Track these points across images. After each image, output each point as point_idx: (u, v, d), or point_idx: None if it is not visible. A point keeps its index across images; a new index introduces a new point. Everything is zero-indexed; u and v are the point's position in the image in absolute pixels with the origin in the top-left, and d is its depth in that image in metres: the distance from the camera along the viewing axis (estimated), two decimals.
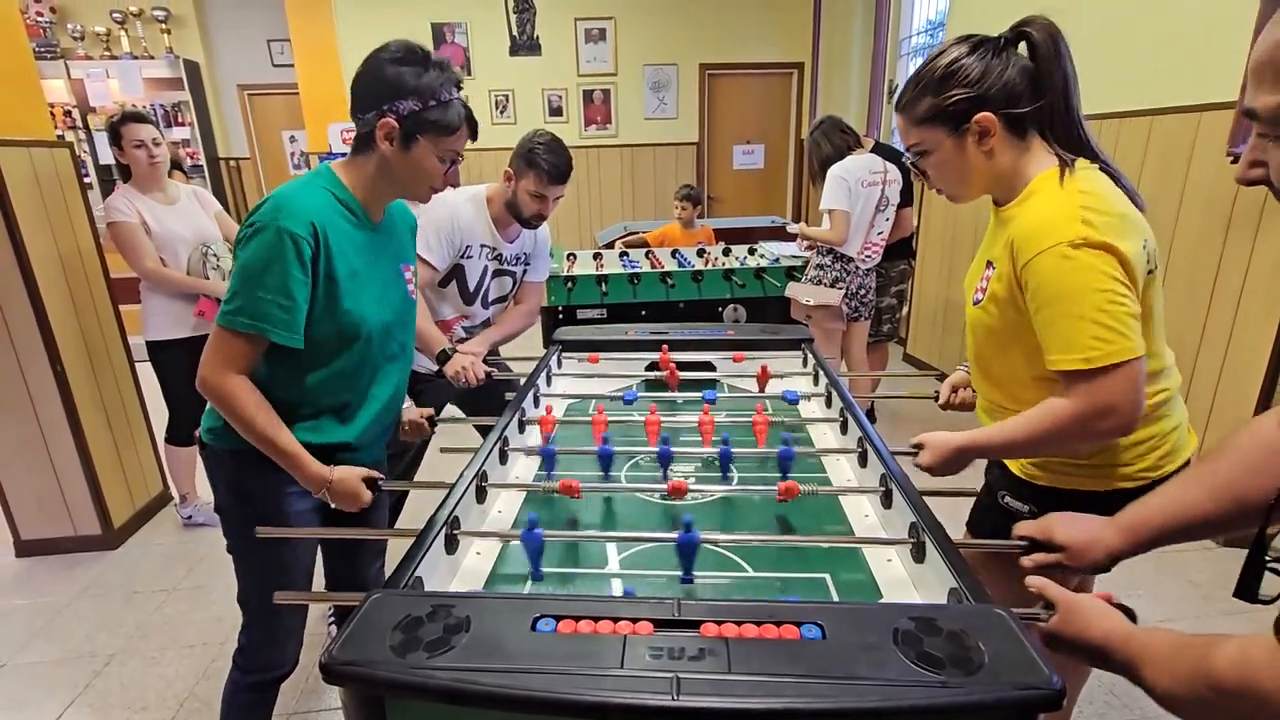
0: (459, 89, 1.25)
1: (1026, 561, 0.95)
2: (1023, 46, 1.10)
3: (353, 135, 1.26)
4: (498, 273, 2.09)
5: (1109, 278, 0.98)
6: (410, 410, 1.60)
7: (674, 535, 1.00)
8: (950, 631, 0.71)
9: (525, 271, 2.17)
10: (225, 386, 1.17)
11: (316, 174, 1.25)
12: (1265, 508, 0.66)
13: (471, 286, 2.05)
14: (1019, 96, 1.07)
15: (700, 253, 3.85)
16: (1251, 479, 0.81)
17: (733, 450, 1.29)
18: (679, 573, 1.05)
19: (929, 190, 4.22)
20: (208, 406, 1.29)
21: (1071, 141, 1.10)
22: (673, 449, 1.28)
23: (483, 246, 2.01)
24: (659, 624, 0.75)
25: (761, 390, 1.74)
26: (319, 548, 1.49)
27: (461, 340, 2.08)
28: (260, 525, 1.22)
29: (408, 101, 1.18)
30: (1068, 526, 0.94)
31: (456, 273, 2.01)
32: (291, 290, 1.14)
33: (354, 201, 1.25)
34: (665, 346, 1.87)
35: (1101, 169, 1.10)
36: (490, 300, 2.13)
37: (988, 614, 0.74)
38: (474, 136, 1.30)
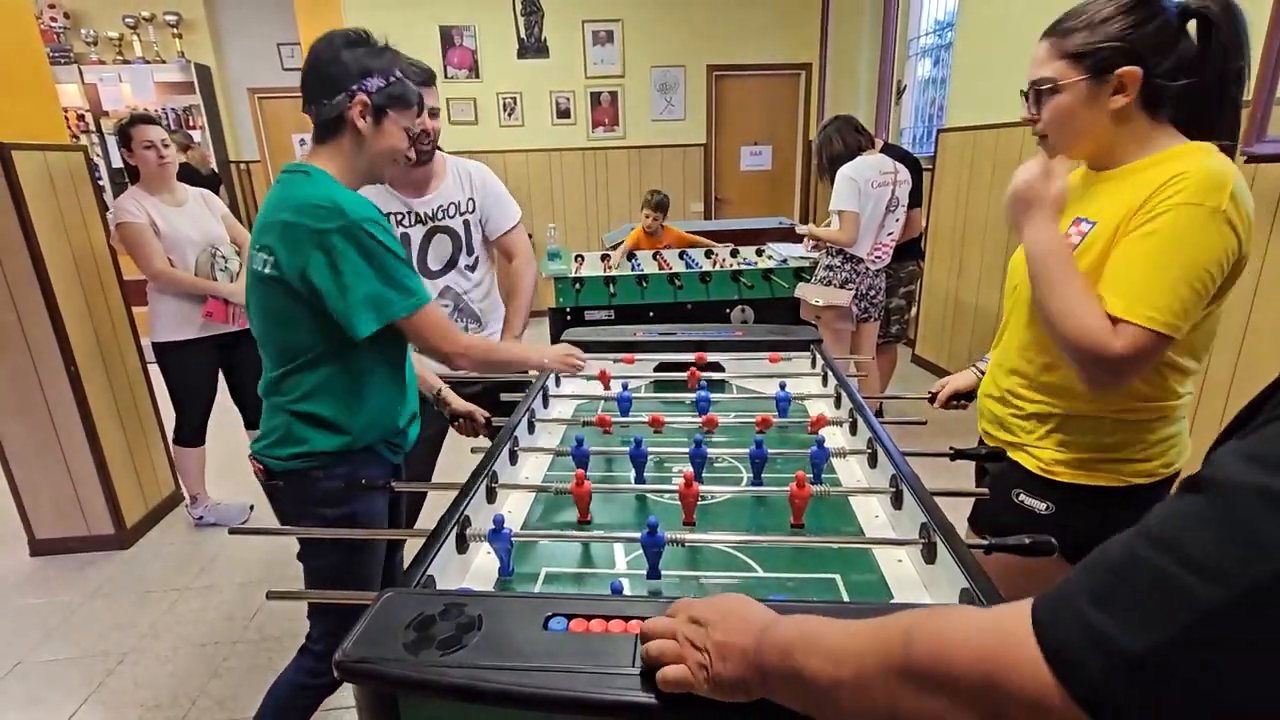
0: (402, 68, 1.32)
1: None
2: (1191, 25, 1.04)
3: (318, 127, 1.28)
4: (431, 234, 1.89)
5: (1218, 264, 0.97)
6: (455, 400, 1.66)
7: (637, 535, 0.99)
8: None
9: (467, 223, 1.93)
10: (466, 340, 1.35)
11: (318, 172, 1.25)
12: None
13: None
14: (1172, 71, 1.01)
15: (708, 254, 3.85)
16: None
17: (768, 452, 1.27)
18: (690, 572, 1.05)
19: (941, 187, 4.22)
20: (277, 435, 1.30)
21: (1218, 134, 1.04)
22: (707, 450, 1.27)
23: (389, 215, 1.80)
24: None
25: None
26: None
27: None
28: (349, 525, 1.30)
29: (374, 79, 1.23)
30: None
31: None
32: (406, 259, 1.27)
33: None
34: (693, 370, 1.78)
35: None
36: (435, 269, 1.91)
37: None
38: (422, 110, 1.37)
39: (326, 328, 1.23)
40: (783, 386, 1.61)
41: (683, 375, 1.77)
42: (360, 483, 1.31)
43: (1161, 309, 0.96)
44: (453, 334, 1.33)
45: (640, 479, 1.29)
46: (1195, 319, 0.99)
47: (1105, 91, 1.04)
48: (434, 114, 1.76)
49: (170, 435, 2.86)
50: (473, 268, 1.99)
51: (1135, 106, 1.04)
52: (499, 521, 1.03)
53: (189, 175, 4.23)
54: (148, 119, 2.54)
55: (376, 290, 1.19)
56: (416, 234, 1.88)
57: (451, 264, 1.94)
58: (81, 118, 6.09)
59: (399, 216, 1.85)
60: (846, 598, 0.99)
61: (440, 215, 1.90)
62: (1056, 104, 1.08)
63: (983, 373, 1.41)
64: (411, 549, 0.97)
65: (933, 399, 1.58)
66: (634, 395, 1.64)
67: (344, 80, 1.22)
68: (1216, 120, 1.05)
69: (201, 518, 2.91)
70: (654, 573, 1.00)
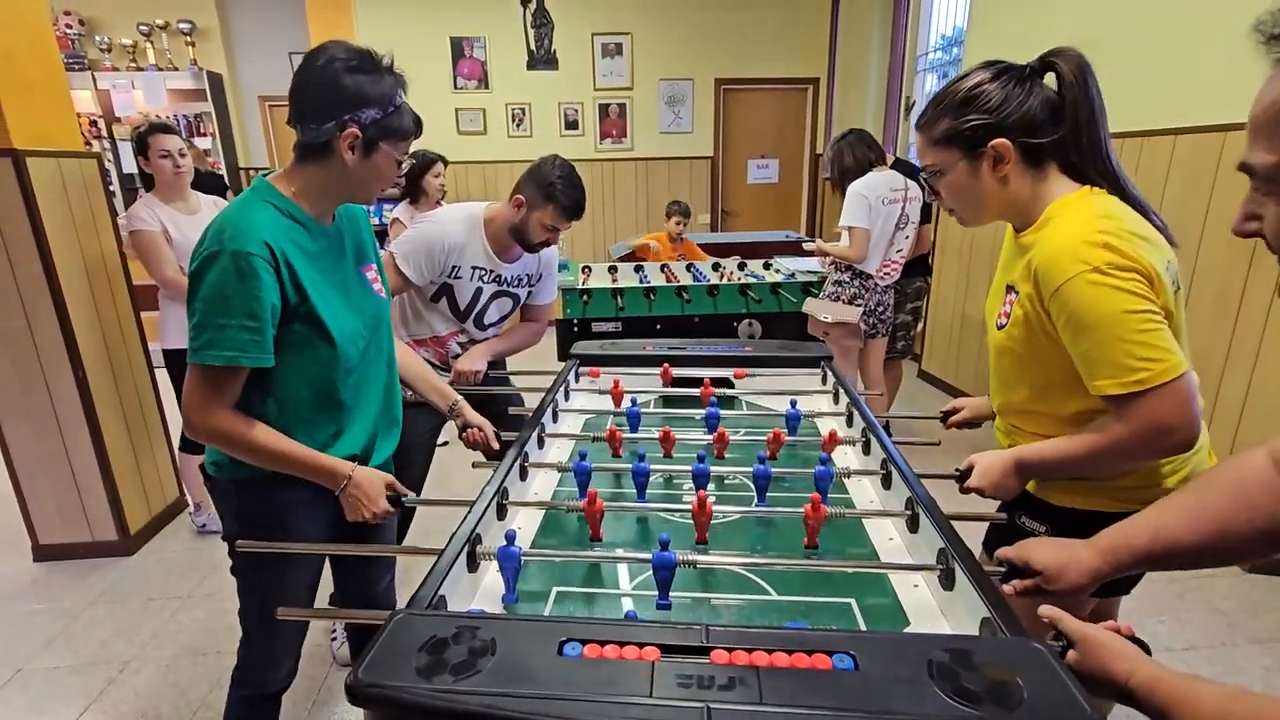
0: (405, 91, 1.23)
1: (1008, 588, 0.94)
2: (1050, 78, 1.11)
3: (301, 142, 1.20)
4: (498, 294, 2.06)
5: (1141, 298, 0.99)
6: (469, 412, 1.62)
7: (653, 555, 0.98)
8: (986, 665, 0.70)
9: (530, 294, 2.14)
10: (218, 425, 1.15)
11: (254, 190, 1.20)
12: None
13: (462, 306, 2.02)
14: (1038, 126, 1.08)
15: (715, 267, 3.85)
16: (1241, 513, 0.80)
17: (771, 470, 1.26)
18: (702, 594, 1.04)
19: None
20: None
21: (1094, 174, 1.11)
22: (710, 467, 1.26)
23: (475, 269, 1.97)
24: (688, 650, 0.74)
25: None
26: (323, 567, 1.48)
27: (457, 356, 2.05)
28: (262, 532, 1.23)
29: (370, 110, 1.16)
30: (1044, 549, 0.93)
31: (445, 291, 1.99)
32: (255, 311, 1.11)
33: (299, 211, 1.21)
34: (666, 365, 1.89)
35: (1129, 202, 1.10)
36: (488, 323, 2.10)
37: (1025, 647, 0.73)
38: (419, 134, 1.28)
39: None
40: (793, 404, 1.59)
41: (695, 391, 1.76)
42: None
43: (1135, 368, 0.98)
44: (212, 409, 1.14)
45: (641, 497, 1.27)
46: (1171, 343, 1.00)
47: (985, 164, 1.11)
48: (555, 230, 1.94)
49: (176, 442, 2.85)
50: (504, 322, 2.17)
51: (1020, 168, 1.11)
52: (510, 537, 1.02)
53: (198, 180, 4.24)
54: (166, 128, 2.56)
55: (194, 325, 1.11)
56: (489, 290, 2.04)
57: (500, 322, 2.15)
58: (94, 124, 6.13)
59: (482, 273, 1.99)
60: (862, 623, 0.97)
61: (514, 282, 2.07)
62: (947, 185, 1.16)
63: None
64: (420, 565, 0.96)
65: (944, 419, 1.56)
66: (644, 410, 1.63)
67: (337, 108, 1.14)
68: (1088, 162, 1.11)
69: (205, 525, 2.90)
70: (664, 599, 0.99)
